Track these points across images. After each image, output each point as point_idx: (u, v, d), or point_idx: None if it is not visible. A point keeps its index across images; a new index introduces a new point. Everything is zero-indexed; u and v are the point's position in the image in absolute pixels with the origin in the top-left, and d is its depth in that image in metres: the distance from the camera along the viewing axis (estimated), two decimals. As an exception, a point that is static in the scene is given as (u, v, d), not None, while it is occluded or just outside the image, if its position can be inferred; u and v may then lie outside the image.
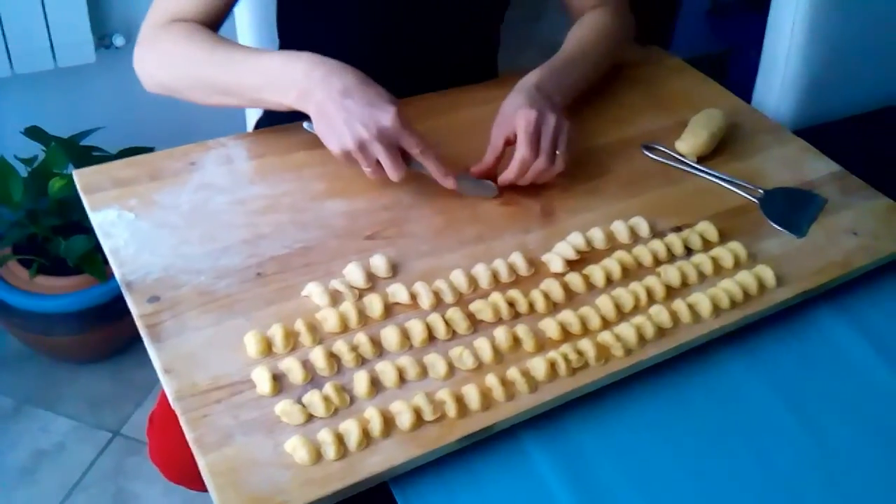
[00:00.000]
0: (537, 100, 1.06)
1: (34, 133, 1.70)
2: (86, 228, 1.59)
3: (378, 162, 0.99)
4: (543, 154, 1.03)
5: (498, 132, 1.06)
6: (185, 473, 1.12)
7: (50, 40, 1.73)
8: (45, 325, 1.78)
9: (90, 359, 1.90)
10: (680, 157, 1.16)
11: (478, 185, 1.07)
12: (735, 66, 2.49)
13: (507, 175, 1.04)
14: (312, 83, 0.98)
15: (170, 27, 1.08)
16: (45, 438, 1.77)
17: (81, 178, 1.04)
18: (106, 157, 1.69)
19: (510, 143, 1.06)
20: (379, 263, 0.95)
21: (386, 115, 0.97)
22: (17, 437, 1.76)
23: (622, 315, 0.93)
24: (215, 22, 1.12)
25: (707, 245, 1.03)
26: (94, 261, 1.66)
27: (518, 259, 0.96)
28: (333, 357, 0.85)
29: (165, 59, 1.07)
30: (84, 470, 1.72)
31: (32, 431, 1.78)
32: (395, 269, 0.95)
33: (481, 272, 0.95)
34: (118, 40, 1.83)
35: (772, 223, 1.07)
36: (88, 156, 1.69)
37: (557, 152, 1.04)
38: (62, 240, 1.68)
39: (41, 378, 1.87)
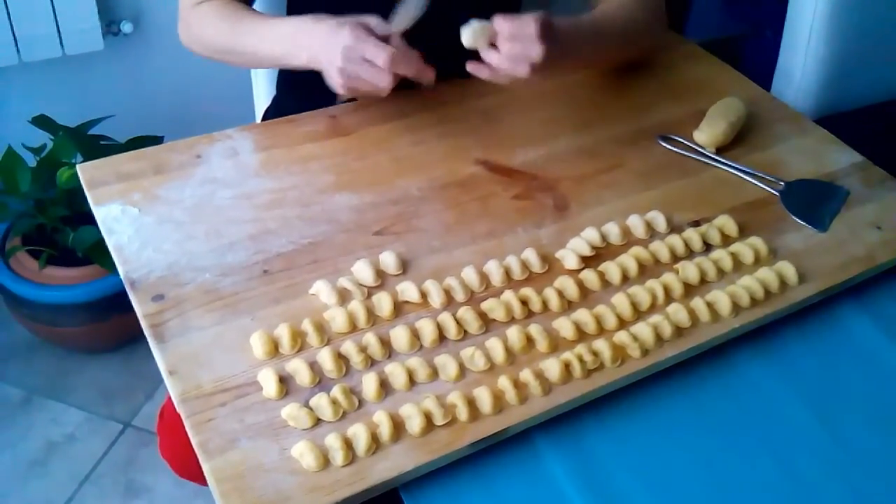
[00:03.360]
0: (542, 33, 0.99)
1: (42, 122, 1.69)
2: (94, 219, 1.58)
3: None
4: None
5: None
6: (195, 469, 1.11)
7: (57, 27, 1.71)
8: (55, 316, 1.77)
9: (101, 349, 1.89)
10: (698, 148, 1.13)
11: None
12: (752, 48, 2.44)
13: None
14: (315, 50, 1.03)
15: (199, 8, 1.14)
16: (56, 430, 1.76)
17: (85, 172, 1.02)
18: (114, 147, 1.67)
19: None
20: (388, 260, 0.92)
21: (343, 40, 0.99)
22: (28, 428, 1.76)
23: (639, 314, 0.90)
24: None
25: (726, 240, 1.00)
26: (103, 251, 1.63)
27: (531, 255, 0.94)
28: (341, 358, 0.83)
29: (200, 40, 1.15)
30: (95, 461, 1.71)
31: (43, 422, 1.77)
32: (404, 266, 0.93)
33: (493, 269, 0.92)
34: (126, 27, 1.81)
35: (793, 217, 1.04)
36: (96, 145, 1.68)
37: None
38: (70, 230, 1.67)
39: (52, 369, 1.86)
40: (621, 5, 1.18)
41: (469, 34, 0.98)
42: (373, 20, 1.02)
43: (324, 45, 1.01)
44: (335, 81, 1.01)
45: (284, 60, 1.09)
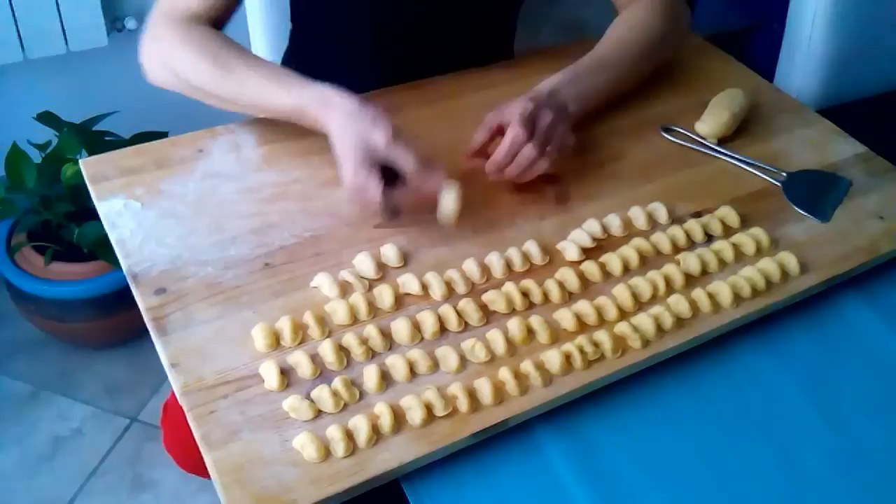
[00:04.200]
0: (542, 99, 1.01)
1: (47, 118, 1.69)
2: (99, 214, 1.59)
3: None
4: (536, 140, 0.97)
5: (492, 116, 1.02)
6: (199, 463, 1.11)
7: (61, 24, 1.72)
8: (61, 312, 1.78)
9: (106, 344, 1.90)
10: (700, 139, 1.13)
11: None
12: (757, 42, 2.43)
13: (496, 156, 0.98)
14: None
15: (172, 26, 1.04)
16: (63, 425, 1.77)
17: (88, 167, 1.02)
18: (119, 142, 1.68)
19: (501, 131, 1.00)
20: (390, 253, 0.93)
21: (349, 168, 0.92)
22: (35, 423, 1.77)
23: (640, 305, 0.90)
24: (224, 15, 1.09)
25: (728, 231, 1.00)
26: (108, 247, 1.63)
27: (532, 247, 0.94)
28: (343, 350, 0.83)
29: (165, 63, 1.04)
30: (102, 456, 1.72)
31: (50, 418, 1.78)
32: (406, 259, 0.93)
33: (494, 261, 0.92)
34: (130, 23, 1.82)
35: (795, 207, 1.04)
36: (101, 141, 1.68)
37: (548, 148, 0.98)
38: (76, 226, 1.67)
39: (58, 364, 1.87)
40: (634, 25, 1.16)
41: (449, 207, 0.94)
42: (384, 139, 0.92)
43: (337, 150, 0.93)
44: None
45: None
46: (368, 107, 0.93)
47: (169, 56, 1.03)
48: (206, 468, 0.77)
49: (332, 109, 0.94)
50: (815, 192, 1.06)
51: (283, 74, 1.00)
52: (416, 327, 0.85)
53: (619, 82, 1.13)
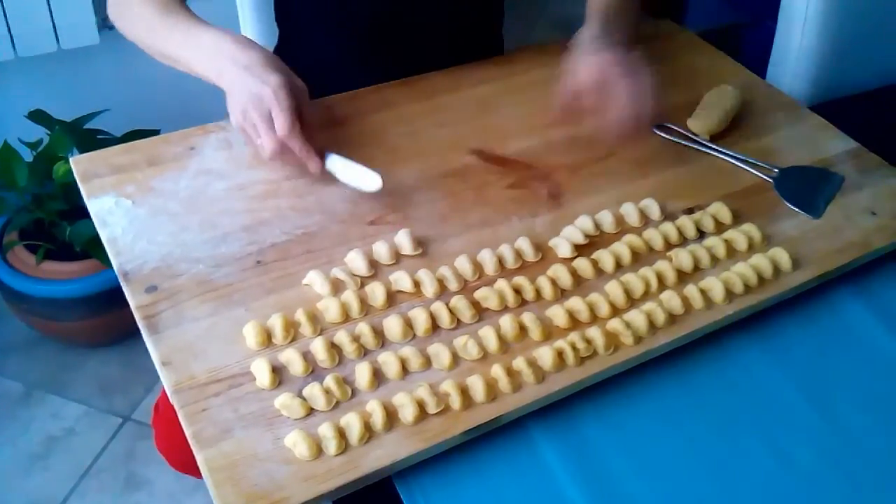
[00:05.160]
0: (604, 46, 1.03)
1: (38, 117, 1.69)
2: (91, 213, 1.58)
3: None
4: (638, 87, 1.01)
5: (565, 87, 1.03)
6: (191, 462, 1.11)
7: (53, 22, 1.71)
8: (53, 311, 1.77)
9: (100, 343, 1.89)
10: (692, 136, 1.13)
11: (357, 174, 0.98)
12: (749, 39, 2.44)
13: (622, 113, 0.99)
14: (223, 61, 0.97)
15: None
16: (56, 424, 1.76)
17: (78, 164, 1.02)
18: (110, 141, 1.67)
19: (577, 99, 1.02)
20: (381, 250, 0.92)
21: (266, 84, 0.94)
22: (28, 422, 1.76)
23: (632, 301, 0.90)
24: None
25: (720, 227, 1.00)
26: (100, 245, 1.63)
27: (525, 244, 0.94)
28: (334, 348, 0.83)
29: (125, 22, 1.10)
30: (95, 455, 1.72)
31: (43, 417, 1.77)
32: (398, 256, 0.93)
33: (487, 258, 0.92)
34: (122, 21, 1.80)
35: (787, 203, 1.04)
36: (93, 139, 1.68)
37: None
38: (68, 225, 1.67)
39: (51, 363, 1.87)
40: None
41: None
42: (301, 84, 0.98)
43: (243, 80, 0.95)
44: (232, 117, 0.97)
45: (196, 69, 1.02)
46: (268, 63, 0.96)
47: (123, 8, 1.09)
48: (197, 467, 0.77)
49: (217, 72, 0.98)
50: (808, 187, 1.07)
51: (192, 36, 1.02)
52: (409, 325, 0.85)
53: (637, 19, 1.15)
